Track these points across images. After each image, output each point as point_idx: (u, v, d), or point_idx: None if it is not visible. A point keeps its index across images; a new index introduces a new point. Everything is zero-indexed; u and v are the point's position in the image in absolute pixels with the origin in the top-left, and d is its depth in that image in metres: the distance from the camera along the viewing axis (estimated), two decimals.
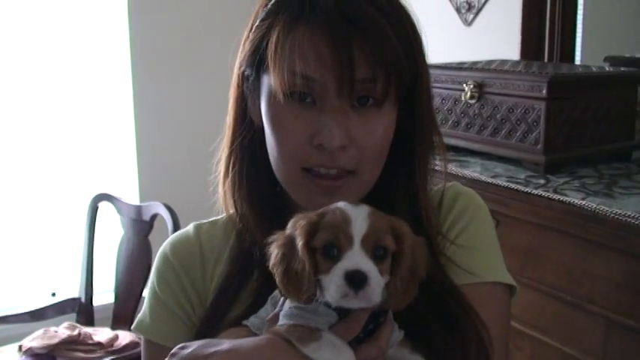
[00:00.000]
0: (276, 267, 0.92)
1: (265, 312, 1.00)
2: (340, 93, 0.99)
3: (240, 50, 1.11)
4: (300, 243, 0.91)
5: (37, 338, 2.72)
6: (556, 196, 1.85)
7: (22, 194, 3.28)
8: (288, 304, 0.94)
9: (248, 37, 1.08)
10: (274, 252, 0.93)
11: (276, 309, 0.97)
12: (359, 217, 0.90)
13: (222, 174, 1.17)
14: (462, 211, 1.18)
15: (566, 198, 1.83)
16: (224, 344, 0.90)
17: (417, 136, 1.11)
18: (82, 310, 3.01)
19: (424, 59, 1.09)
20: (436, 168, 1.16)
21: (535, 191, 1.92)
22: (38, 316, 2.95)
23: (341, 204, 0.93)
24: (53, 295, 3.21)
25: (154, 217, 2.81)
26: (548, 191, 1.89)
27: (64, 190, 3.37)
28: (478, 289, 1.10)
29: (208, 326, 1.10)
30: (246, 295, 1.10)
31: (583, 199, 1.81)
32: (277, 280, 0.92)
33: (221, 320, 1.09)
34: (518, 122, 2.14)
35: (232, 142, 1.16)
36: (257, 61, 1.05)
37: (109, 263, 3.02)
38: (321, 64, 0.98)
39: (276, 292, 0.99)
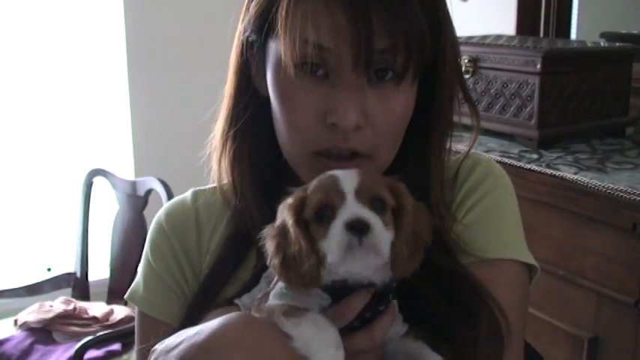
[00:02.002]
0: (273, 260, 0.85)
1: (259, 291, 0.95)
2: (357, 65, 0.90)
3: (243, 13, 1.02)
4: (290, 222, 0.85)
5: (32, 313, 2.74)
6: (549, 171, 1.86)
7: (18, 170, 3.29)
8: (280, 283, 0.89)
9: None
10: (268, 246, 0.87)
11: (269, 287, 0.92)
12: (348, 176, 0.85)
13: (217, 147, 1.09)
14: (479, 181, 1.09)
15: (559, 172, 1.84)
16: (192, 330, 0.85)
17: (435, 116, 1.03)
18: (78, 284, 3.02)
19: (450, 32, 1.00)
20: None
21: (528, 166, 1.92)
22: (34, 290, 2.95)
23: (328, 172, 0.87)
24: (49, 270, 3.22)
25: (149, 192, 2.81)
26: (540, 166, 1.90)
27: (59, 165, 3.37)
28: (489, 267, 1.03)
29: (201, 302, 1.05)
30: (242, 272, 1.05)
31: (575, 173, 1.81)
32: (277, 274, 0.86)
33: (215, 297, 1.04)
34: (513, 97, 2.14)
35: (232, 114, 1.07)
36: (264, 26, 0.95)
37: (104, 238, 3.03)
38: (337, 32, 0.89)
39: (269, 270, 0.92)
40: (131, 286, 1.15)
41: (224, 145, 1.08)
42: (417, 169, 1.04)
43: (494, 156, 2.02)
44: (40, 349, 2.61)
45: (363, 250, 0.80)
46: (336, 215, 0.81)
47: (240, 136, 1.07)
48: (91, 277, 3.05)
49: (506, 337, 0.97)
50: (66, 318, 2.72)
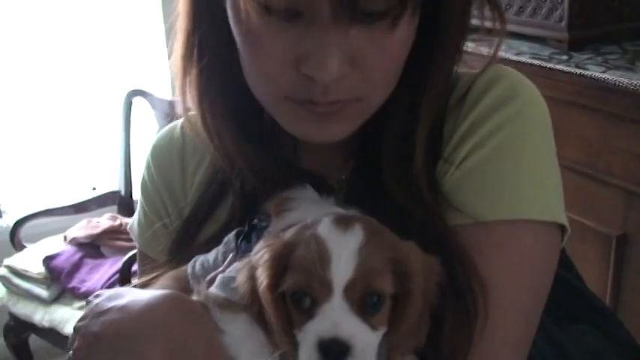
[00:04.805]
0: (248, 307, 0.73)
1: (213, 257, 0.84)
2: (337, 7, 0.71)
3: None
4: (262, 285, 0.69)
5: (80, 229, 2.85)
6: (577, 71, 1.87)
7: (62, 93, 3.35)
8: (232, 268, 0.78)
9: None
10: (241, 287, 0.73)
11: (219, 269, 0.81)
12: (344, 253, 0.66)
13: (179, 75, 0.91)
14: (495, 106, 0.84)
15: (587, 72, 1.84)
16: (124, 297, 0.78)
17: (438, 48, 0.84)
18: (122, 202, 3.11)
19: None
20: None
21: (557, 66, 1.93)
22: (81, 209, 3.05)
23: (322, 227, 0.69)
24: (94, 189, 3.31)
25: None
26: (570, 66, 1.90)
27: (100, 87, 3.42)
28: (489, 229, 0.81)
29: (181, 242, 0.98)
30: (221, 211, 0.96)
31: (603, 72, 1.82)
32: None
33: (194, 238, 0.97)
34: (543, 0, 2.13)
35: (192, 36, 0.88)
36: None
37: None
38: None
39: (231, 235, 0.83)
40: (132, 218, 1.11)
41: (185, 74, 0.91)
42: (404, 105, 0.86)
43: (525, 59, 2.03)
44: (89, 262, 2.72)
45: None
46: (316, 313, 0.67)
47: (206, 65, 0.89)
48: (135, 195, 3.12)
49: (481, 315, 0.78)
50: (112, 233, 2.83)
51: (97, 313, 0.78)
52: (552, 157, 0.87)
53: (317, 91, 0.76)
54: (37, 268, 2.67)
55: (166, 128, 1.07)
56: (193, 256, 0.87)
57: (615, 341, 0.97)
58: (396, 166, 0.85)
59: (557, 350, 0.90)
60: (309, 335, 0.66)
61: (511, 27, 2.25)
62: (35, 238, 2.89)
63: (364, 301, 0.67)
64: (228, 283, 0.76)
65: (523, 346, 0.83)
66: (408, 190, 0.83)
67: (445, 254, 0.76)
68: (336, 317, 0.65)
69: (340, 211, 0.77)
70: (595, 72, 1.83)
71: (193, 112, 0.94)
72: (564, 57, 2.00)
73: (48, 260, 2.67)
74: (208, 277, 0.81)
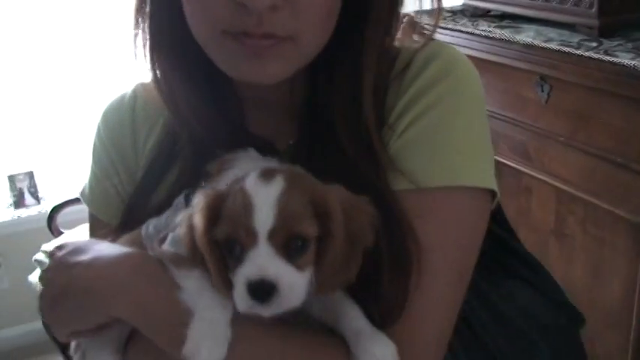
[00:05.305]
0: (191, 255, 0.79)
1: (165, 218, 0.89)
2: None
3: None
4: (198, 232, 0.76)
5: None
6: (607, 58, 1.83)
7: (98, 82, 3.38)
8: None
9: None
10: (184, 237, 0.79)
11: (169, 227, 0.86)
12: (266, 203, 0.72)
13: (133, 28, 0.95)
14: (432, 82, 0.90)
15: (616, 59, 1.81)
16: (90, 253, 0.84)
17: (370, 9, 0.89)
18: None
19: None
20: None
21: (586, 53, 1.90)
22: None
23: (249, 180, 0.75)
24: None
25: None
26: (599, 53, 1.87)
27: (129, 77, 3.44)
28: (427, 195, 0.87)
29: (134, 207, 1.00)
30: (171, 175, 1.00)
31: (633, 59, 1.79)
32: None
33: (146, 202, 0.99)
34: None
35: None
36: None
37: None
38: None
39: (181, 197, 0.88)
40: (83, 184, 1.13)
41: (137, 27, 0.95)
42: (345, 63, 0.91)
43: (553, 46, 2.00)
44: None
45: (269, 308, 0.73)
46: (244, 258, 0.73)
47: (155, 13, 0.93)
48: None
49: (415, 273, 0.84)
50: None
51: (64, 266, 0.84)
52: (485, 129, 0.94)
53: (251, 22, 0.79)
54: None
55: (117, 96, 1.10)
56: (145, 221, 0.92)
57: (542, 294, 1.06)
58: (347, 122, 0.89)
59: (490, 309, 0.98)
60: (240, 278, 0.73)
61: (540, 13, 2.23)
62: (72, 225, 2.94)
63: (289, 245, 0.73)
64: (177, 239, 0.82)
65: (455, 301, 0.90)
66: (360, 144, 0.88)
67: (386, 215, 0.81)
68: (261, 261, 0.72)
69: (272, 165, 0.82)
70: (625, 59, 1.80)
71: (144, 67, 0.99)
72: (594, 44, 1.97)
73: None
74: (160, 236, 0.86)
